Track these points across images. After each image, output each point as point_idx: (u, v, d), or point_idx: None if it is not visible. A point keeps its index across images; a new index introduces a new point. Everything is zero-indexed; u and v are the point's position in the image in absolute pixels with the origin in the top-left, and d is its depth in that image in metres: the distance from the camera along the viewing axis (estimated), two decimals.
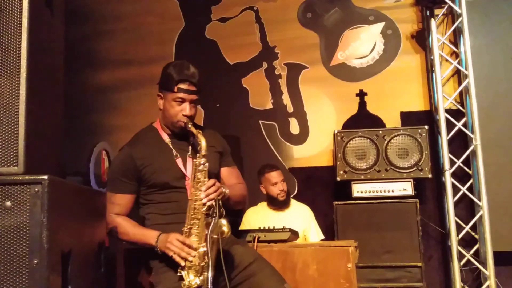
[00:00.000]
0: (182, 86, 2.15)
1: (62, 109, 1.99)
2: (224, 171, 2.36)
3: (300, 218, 3.63)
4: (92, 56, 4.85)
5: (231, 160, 2.42)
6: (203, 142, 2.08)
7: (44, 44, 1.79)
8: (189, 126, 2.15)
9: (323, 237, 3.65)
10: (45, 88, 1.77)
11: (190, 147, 2.24)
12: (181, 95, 2.15)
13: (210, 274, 1.89)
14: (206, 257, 1.97)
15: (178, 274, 2.01)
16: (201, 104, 4.47)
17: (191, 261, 1.98)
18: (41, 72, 1.72)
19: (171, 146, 2.22)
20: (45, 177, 1.40)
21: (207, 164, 2.09)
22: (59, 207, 1.47)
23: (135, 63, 4.72)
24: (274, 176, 3.66)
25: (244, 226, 3.68)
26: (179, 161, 2.19)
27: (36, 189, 1.39)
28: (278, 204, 3.67)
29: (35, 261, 1.36)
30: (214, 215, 1.96)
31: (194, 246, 1.99)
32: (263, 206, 3.77)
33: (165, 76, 2.19)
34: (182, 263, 1.99)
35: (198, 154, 2.10)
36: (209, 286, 1.88)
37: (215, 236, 1.97)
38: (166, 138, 2.25)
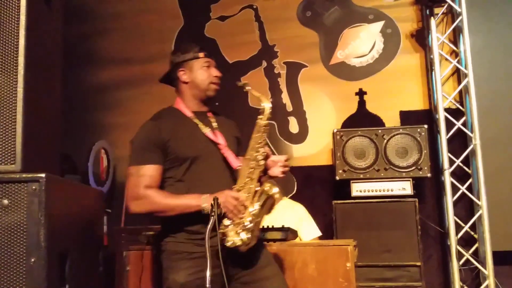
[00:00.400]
0: (205, 52, 2.27)
1: (60, 107, 1.99)
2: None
3: (288, 217, 3.61)
4: (91, 54, 4.84)
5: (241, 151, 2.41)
6: (266, 105, 2.14)
7: (42, 41, 1.78)
8: (249, 87, 2.24)
9: (319, 233, 3.60)
10: (43, 86, 1.77)
11: (214, 123, 2.27)
12: (208, 59, 2.26)
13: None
14: (258, 216, 1.98)
15: (220, 231, 1.97)
16: None
17: (241, 219, 1.98)
18: (39, 69, 1.72)
19: (196, 122, 2.22)
20: (43, 175, 1.40)
21: (268, 128, 2.13)
22: (57, 205, 1.47)
23: (134, 62, 4.70)
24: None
25: None
26: (208, 134, 2.19)
27: (34, 187, 1.38)
28: None
29: (33, 260, 1.35)
30: (213, 214, 1.95)
31: (246, 204, 1.99)
32: None
33: (184, 51, 2.26)
34: (236, 219, 1.98)
35: (260, 116, 2.13)
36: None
37: (274, 194, 1.98)
38: (190, 114, 2.24)
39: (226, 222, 1.99)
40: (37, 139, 1.64)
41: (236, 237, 1.96)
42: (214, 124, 2.26)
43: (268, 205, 2.01)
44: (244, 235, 1.94)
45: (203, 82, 2.24)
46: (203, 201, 1.97)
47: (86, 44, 4.84)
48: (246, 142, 4.28)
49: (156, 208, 2.03)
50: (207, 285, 1.88)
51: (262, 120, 2.12)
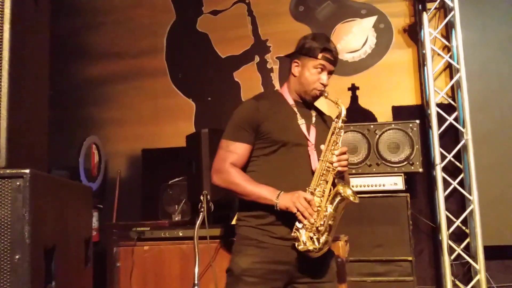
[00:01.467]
0: (326, 54, 2.14)
1: (47, 103, 1.96)
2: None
3: None
4: (82, 49, 4.80)
5: None
6: (343, 109, 2.09)
7: (28, 36, 1.75)
8: (326, 94, 2.14)
9: None
10: (29, 81, 1.74)
11: (314, 118, 2.21)
12: (324, 62, 2.13)
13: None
14: (330, 219, 1.93)
15: (293, 234, 1.95)
16: (192, 98, 4.44)
17: (313, 223, 1.93)
18: (25, 64, 1.69)
19: (295, 110, 2.17)
20: (27, 171, 1.38)
21: (342, 131, 2.09)
22: (42, 201, 1.45)
23: (125, 56, 4.67)
24: None
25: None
26: (302, 126, 2.14)
27: (18, 183, 1.36)
28: None
29: (17, 257, 1.34)
30: (202, 209, 1.94)
31: (318, 207, 1.94)
32: None
33: (308, 43, 2.16)
34: (305, 221, 1.93)
35: (336, 119, 2.09)
36: None
37: (348, 196, 1.94)
38: (291, 102, 2.20)
39: (298, 224, 1.95)
40: (22, 134, 1.62)
41: (309, 241, 1.92)
42: (313, 119, 2.20)
43: (341, 207, 1.98)
44: (316, 241, 1.90)
45: (308, 84, 2.15)
46: (280, 199, 1.97)
47: (77, 39, 4.80)
48: None
49: (234, 188, 2.06)
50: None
51: (337, 123, 2.08)
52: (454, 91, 4.04)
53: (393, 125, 3.72)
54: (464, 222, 3.84)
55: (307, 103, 2.21)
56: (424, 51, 3.97)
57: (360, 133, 3.73)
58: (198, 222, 1.90)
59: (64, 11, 4.76)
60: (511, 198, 3.68)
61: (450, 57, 4.00)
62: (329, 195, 1.96)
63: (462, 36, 3.83)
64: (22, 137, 1.60)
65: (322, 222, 1.92)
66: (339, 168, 2.00)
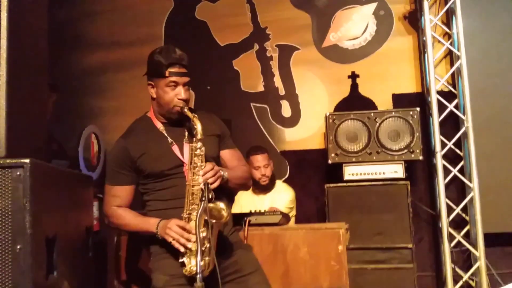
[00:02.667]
0: (173, 69, 2.11)
1: (47, 92, 1.94)
2: (225, 154, 2.32)
3: (279, 202, 3.61)
4: (80, 38, 4.76)
5: (231, 142, 2.37)
6: (198, 126, 2.05)
7: (26, 24, 1.73)
8: (185, 110, 2.11)
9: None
10: (28, 70, 1.72)
11: (186, 133, 2.20)
12: (174, 78, 2.10)
13: (198, 259, 1.84)
14: (206, 242, 1.93)
15: (180, 260, 1.99)
16: (192, 87, 4.36)
17: (190, 248, 1.96)
18: (23, 53, 1.67)
19: (165, 134, 2.17)
20: (27, 160, 1.37)
21: (203, 148, 2.06)
22: (43, 191, 1.44)
23: (124, 45, 4.64)
24: (258, 159, 3.63)
25: (235, 209, 3.66)
26: (175, 148, 2.15)
27: (18, 173, 1.35)
28: (260, 188, 3.65)
29: (18, 247, 1.33)
30: (203, 199, 1.92)
31: (193, 232, 1.93)
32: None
33: (153, 63, 2.13)
34: (182, 249, 1.97)
35: (194, 139, 2.07)
36: (198, 270, 1.82)
37: (214, 221, 1.95)
38: (160, 126, 2.19)
39: (181, 250, 1.99)
40: (22, 124, 1.60)
41: (194, 266, 1.93)
42: (186, 134, 2.19)
43: (215, 229, 1.97)
44: (199, 263, 1.87)
45: (167, 103, 2.13)
46: (159, 229, 2.02)
47: (75, 28, 4.75)
48: (237, 125, 4.28)
49: (125, 229, 2.16)
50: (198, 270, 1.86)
51: (196, 142, 2.05)
52: (454, 79, 4.02)
53: (393, 113, 3.72)
54: (464, 209, 3.84)
55: (175, 121, 2.18)
56: (424, 38, 3.94)
57: (360, 121, 3.72)
58: (199, 212, 1.89)
59: (61, 0, 4.70)
60: (511, 185, 3.68)
61: (451, 44, 3.97)
62: (200, 217, 1.91)
63: (463, 23, 3.80)
64: (22, 127, 1.59)
65: (199, 246, 1.88)
66: (211, 186, 1.96)
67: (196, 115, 2.09)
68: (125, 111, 4.52)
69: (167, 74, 2.09)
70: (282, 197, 3.65)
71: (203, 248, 1.93)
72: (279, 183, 3.77)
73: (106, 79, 4.64)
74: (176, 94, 2.11)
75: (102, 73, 4.66)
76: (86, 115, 4.59)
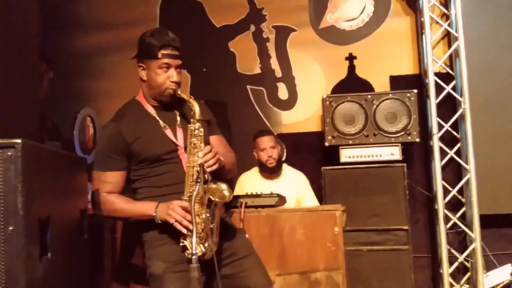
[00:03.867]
0: (166, 51, 2.09)
1: (38, 74, 1.91)
2: (213, 140, 2.32)
3: (293, 186, 3.62)
4: (74, 19, 4.68)
5: (217, 129, 2.37)
6: (196, 107, 2.03)
7: (15, 7, 1.69)
8: (179, 92, 2.10)
9: (318, 204, 3.64)
10: (19, 51, 1.69)
11: (178, 117, 2.19)
12: (167, 60, 2.09)
13: (194, 240, 1.83)
14: (210, 223, 1.93)
15: (181, 244, 1.97)
16: (187, 69, 4.37)
17: (192, 230, 1.89)
18: (13, 32, 1.64)
19: (157, 118, 2.16)
20: (19, 140, 1.34)
21: (202, 129, 2.05)
22: (35, 172, 1.42)
23: (118, 26, 4.56)
24: (264, 141, 3.63)
25: (236, 192, 3.66)
26: (168, 132, 2.14)
27: (9, 153, 1.33)
28: (268, 171, 3.64)
29: (10, 228, 1.31)
30: (199, 180, 1.91)
31: (196, 213, 1.92)
32: (255, 171, 3.75)
33: (145, 45, 2.11)
34: (184, 230, 1.95)
35: (192, 120, 2.05)
36: (194, 250, 1.80)
37: (216, 199, 1.93)
38: (151, 110, 2.18)
39: (183, 234, 1.97)
40: (13, 104, 1.58)
41: (196, 247, 1.90)
42: (178, 119, 2.18)
43: (218, 208, 1.97)
44: (201, 246, 1.90)
45: (159, 86, 2.11)
46: (158, 212, 2.00)
47: (68, 9, 4.67)
48: (234, 107, 4.24)
49: (118, 215, 2.12)
50: (194, 250, 1.85)
51: (194, 123, 2.04)
52: (452, 60, 3.99)
53: (390, 95, 3.70)
54: (460, 191, 3.85)
55: (167, 104, 2.16)
56: (422, 19, 3.90)
57: (358, 103, 3.70)
58: (194, 193, 1.88)
59: None
60: (507, 168, 3.68)
61: (449, 25, 3.93)
62: (202, 198, 1.93)
63: (461, 4, 3.76)
64: (13, 108, 1.56)
65: (202, 227, 1.90)
66: (208, 169, 1.96)
67: (192, 97, 2.08)
68: (120, 94, 4.45)
69: (160, 55, 2.07)
70: (297, 179, 3.66)
71: (206, 230, 1.92)
72: (286, 167, 3.77)
73: (101, 61, 4.58)
74: (169, 76, 2.09)
75: (97, 55, 4.60)
76: (81, 98, 4.54)
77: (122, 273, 2.55)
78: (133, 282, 2.51)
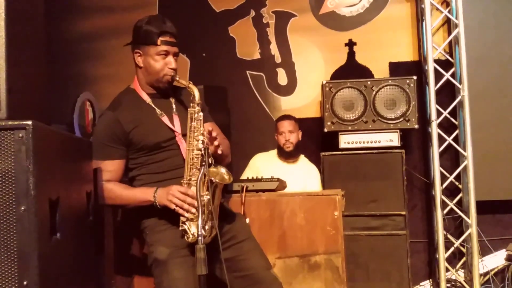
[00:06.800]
0: (164, 38, 2.10)
1: (45, 56, 1.91)
2: (206, 127, 2.33)
3: (304, 175, 3.67)
4: (74, 3, 4.65)
5: (210, 116, 2.39)
6: (195, 91, 2.06)
7: None
8: (177, 78, 2.11)
9: None
10: (26, 33, 1.69)
11: (173, 104, 2.21)
12: (165, 47, 2.10)
13: (200, 222, 1.85)
14: (210, 206, 1.94)
15: (181, 228, 1.99)
16: (187, 54, 4.36)
17: (194, 213, 1.96)
18: (20, 16, 1.64)
19: (153, 106, 2.17)
20: (29, 122, 1.36)
21: (201, 113, 2.06)
22: (45, 153, 1.43)
23: (118, 10, 4.54)
24: (283, 125, 3.72)
25: (249, 169, 3.71)
26: (165, 119, 2.16)
27: (20, 134, 1.34)
28: (285, 155, 3.72)
29: (23, 208, 1.33)
30: (204, 163, 1.93)
31: (196, 196, 1.93)
32: (272, 154, 3.81)
33: (143, 32, 2.12)
34: (186, 214, 1.97)
35: (192, 104, 2.07)
36: (199, 232, 1.82)
37: (217, 180, 1.96)
38: (146, 98, 2.19)
39: (182, 218, 1.99)
40: (22, 86, 1.58)
41: (195, 232, 1.95)
42: (174, 106, 2.20)
43: (218, 191, 1.99)
44: (202, 229, 1.91)
45: (157, 72, 2.12)
46: (157, 197, 2.02)
47: None
48: (233, 93, 4.24)
49: (117, 202, 2.13)
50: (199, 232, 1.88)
51: (194, 108, 2.06)
52: (452, 47, 4.00)
53: (390, 81, 3.71)
54: (458, 177, 3.89)
55: (163, 92, 2.18)
56: (422, 6, 3.91)
57: (357, 90, 3.72)
58: (199, 176, 1.90)
59: None
60: (504, 154, 3.72)
61: (449, 12, 3.93)
62: (202, 182, 1.93)
63: None
64: (22, 89, 1.57)
65: (204, 210, 1.91)
66: (213, 148, 2.00)
67: (190, 82, 2.10)
68: (119, 78, 4.45)
69: (159, 42, 2.08)
70: (310, 172, 3.73)
71: (207, 213, 1.95)
72: (303, 158, 3.82)
73: (101, 45, 4.56)
74: (167, 63, 2.11)
75: (96, 39, 4.58)
76: (80, 82, 4.53)
77: (122, 260, 2.58)
78: (133, 272, 2.54)
